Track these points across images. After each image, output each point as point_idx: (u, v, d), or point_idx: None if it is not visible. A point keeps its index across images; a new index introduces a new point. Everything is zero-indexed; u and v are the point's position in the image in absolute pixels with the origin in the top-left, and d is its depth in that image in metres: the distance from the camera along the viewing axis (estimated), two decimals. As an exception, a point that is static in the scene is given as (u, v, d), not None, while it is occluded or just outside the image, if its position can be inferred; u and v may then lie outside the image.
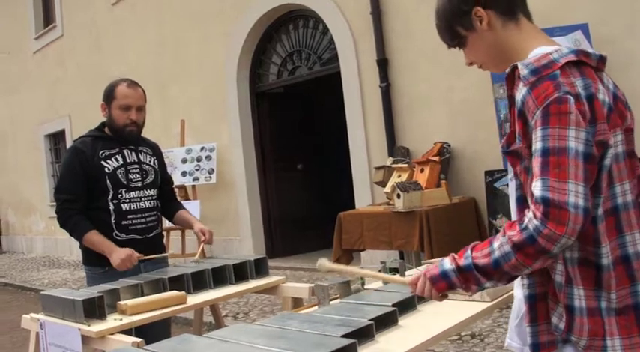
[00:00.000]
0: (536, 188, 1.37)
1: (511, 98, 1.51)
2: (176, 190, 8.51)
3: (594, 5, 5.30)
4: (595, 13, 5.23)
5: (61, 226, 3.13)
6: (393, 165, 6.26)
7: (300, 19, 8.23)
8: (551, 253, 1.36)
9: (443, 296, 1.57)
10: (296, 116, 9.09)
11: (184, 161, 8.82)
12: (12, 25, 14.74)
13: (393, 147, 6.74)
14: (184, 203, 8.19)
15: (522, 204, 1.49)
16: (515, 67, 1.48)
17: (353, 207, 6.96)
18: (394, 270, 2.47)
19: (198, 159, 8.77)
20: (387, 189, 5.91)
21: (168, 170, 8.67)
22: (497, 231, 5.26)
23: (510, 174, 1.58)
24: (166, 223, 6.21)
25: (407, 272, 2.54)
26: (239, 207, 8.80)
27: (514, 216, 1.55)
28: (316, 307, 2.15)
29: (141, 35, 10.37)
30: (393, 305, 1.90)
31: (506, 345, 1.64)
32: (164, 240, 3.52)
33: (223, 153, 8.81)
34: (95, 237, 3.05)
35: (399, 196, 5.44)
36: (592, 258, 1.43)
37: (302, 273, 7.50)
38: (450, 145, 6.22)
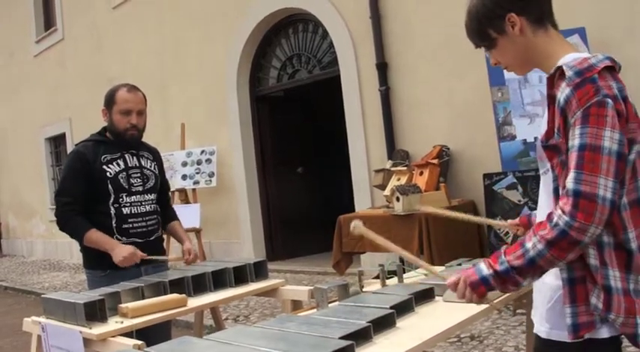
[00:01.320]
0: (570, 180, 1.50)
1: (550, 97, 1.62)
2: (177, 193, 8.61)
3: (592, 9, 5.33)
4: (593, 17, 5.26)
5: (61, 229, 3.16)
6: (393, 169, 6.28)
7: (300, 23, 8.26)
8: (583, 243, 1.49)
9: (483, 300, 1.66)
10: (296, 119, 9.13)
11: (185, 164, 8.85)
12: (13, 29, 14.78)
13: (393, 150, 6.76)
14: (185, 206, 8.32)
15: (557, 195, 1.60)
16: (559, 68, 1.59)
17: (353, 210, 6.99)
18: (392, 273, 2.49)
19: (199, 163, 8.80)
20: (387, 192, 5.94)
21: (169, 173, 8.73)
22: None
23: (543, 169, 1.69)
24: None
25: (405, 275, 2.57)
26: (239, 210, 8.83)
27: (545, 208, 1.66)
28: (315, 310, 2.17)
29: (141, 39, 10.41)
30: (391, 308, 1.92)
31: (535, 331, 1.71)
32: (164, 244, 3.55)
33: (223, 157, 8.84)
34: (96, 235, 3.07)
35: (398, 199, 5.46)
36: (622, 243, 1.56)
37: (302, 276, 7.52)
38: (449, 148, 6.25)
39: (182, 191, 8.79)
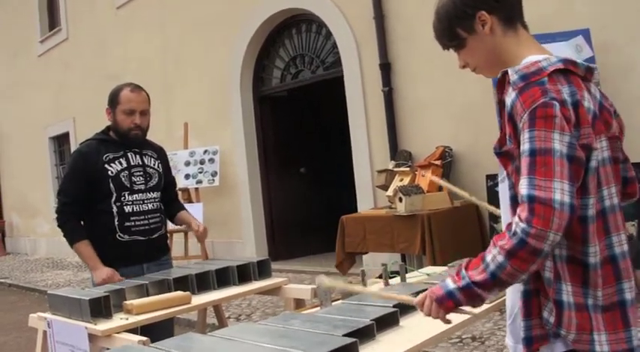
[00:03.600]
0: (523, 186, 1.43)
1: (501, 102, 1.59)
2: (180, 193, 8.62)
3: (596, 10, 5.34)
4: (596, 19, 5.27)
5: (58, 226, 3.22)
6: (395, 169, 6.29)
7: (304, 24, 8.28)
8: (543, 252, 1.41)
9: (452, 312, 1.59)
10: (299, 119, 9.13)
11: (187, 164, 8.87)
12: (17, 28, 14.82)
13: (396, 151, 6.78)
14: (187, 205, 8.29)
15: (515, 202, 1.54)
16: (505, 73, 1.56)
17: (355, 210, 7.00)
18: (395, 273, 2.51)
19: (202, 162, 8.81)
20: (389, 192, 5.95)
21: (173, 172, 8.74)
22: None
23: (501, 176, 1.64)
24: (170, 225, 6.28)
25: (407, 275, 2.59)
26: (242, 210, 8.84)
27: (504, 217, 1.60)
28: (318, 308, 2.19)
29: (145, 39, 10.43)
30: (394, 306, 1.94)
31: (506, 344, 1.69)
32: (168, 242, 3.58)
33: (226, 156, 8.86)
34: (84, 248, 3.14)
35: (400, 200, 5.48)
36: (580, 257, 1.50)
37: (304, 276, 7.54)
38: (451, 149, 6.26)
39: (185, 190, 8.80)
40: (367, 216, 5.98)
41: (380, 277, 2.57)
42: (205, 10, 9.19)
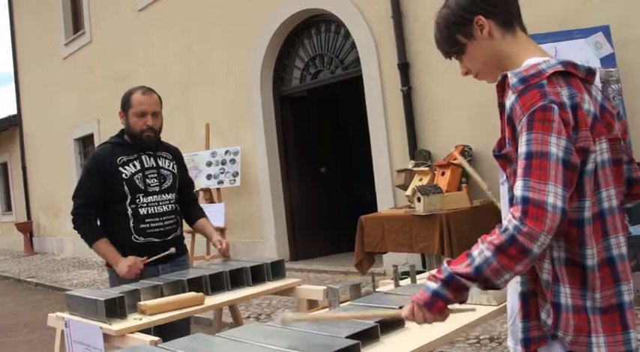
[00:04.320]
0: (518, 188, 1.44)
1: (501, 105, 1.59)
2: (201, 193, 8.71)
3: (616, 6, 5.28)
4: (616, 15, 5.22)
5: (74, 228, 3.28)
6: (415, 169, 6.29)
7: (323, 24, 8.31)
8: (532, 252, 1.40)
9: (445, 315, 1.56)
10: (319, 119, 9.17)
11: (209, 164, 8.94)
12: (43, 32, 15.07)
13: (415, 150, 6.77)
14: (209, 206, 8.40)
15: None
16: (505, 76, 1.56)
17: (376, 209, 7.01)
18: (405, 274, 2.53)
19: (223, 163, 8.88)
20: (408, 192, 5.95)
21: (194, 173, 8.82)
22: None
23: (502, 178, 1.64)
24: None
25: (418, 276, 2.60)
26: (263, 210, 8.90)
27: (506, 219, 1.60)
28: (327, 309, 2.21)
29: (166, 41, 10.54)
30: (400, 308, 1.95)
31: (508, 345, 1.70)
32: (189, 242, 3.62)
33: (247, 157, 8.92)
34: (103, 246, 3.20)
35: (419, 199, 5.48)
36: (578, 259, 1.50)
37: (325, 276, 7.56)
38: (471, 148, 6.24)
39: (207, 190, 8.88)
40: (386, 216, 5.98)
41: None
42: (226, 12, 9.26)
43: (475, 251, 1.48)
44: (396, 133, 7.07)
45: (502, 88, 1.59)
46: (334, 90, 8.62)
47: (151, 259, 3.16)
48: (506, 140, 1.55)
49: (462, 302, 1.55)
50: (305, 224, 8.93)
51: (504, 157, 1.57)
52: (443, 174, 5.99)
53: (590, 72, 1.60)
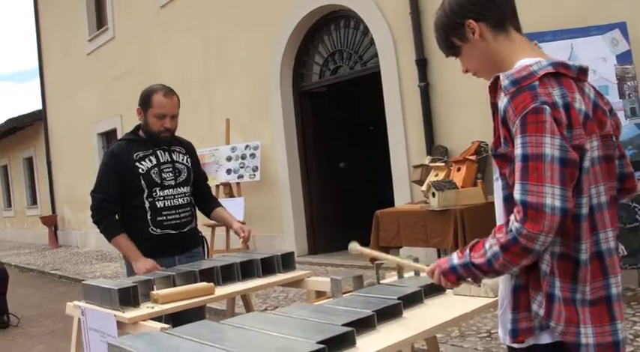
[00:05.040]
0: (517, 192, 1.51)
1: (494, 106, 1.64)
2: (221, 187, 8.83)
3: (633, 3, 5.27)
4: (633, 12, 5.20)
5: (94, 222, 3.38)
6: (431, 164, 6.33)
7: (342, 20, 8.36)
8: (534, 251, 1.50)
9: (457, 285, 1.75)
10: (338, 115, 9.23)
11: (229, 159, 9.04)
12: (67, 28, 15.30)
13: (432, 146, 6.81)
14: (229, 200, 8.51)
15: (509, 202, 1.60)
16: (497, 78, 1.61)
17: (392, 204, 7.06)
18: (409, 266, 2.59)
19: (243, 157, 8.97)
20: (424, 187, 5.99)
21: (214, 167, 8.92)
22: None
23: (495, 175, 1.69)
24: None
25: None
26: (282, 204, 8.99)
27: (499, 215, 1.67)
28: (330, 299, 2.29)
29: (188, 37, 10.66)
30: (400, 299, 2.02)
31: (499, 335, 1.76)
32: (209, 237, 3.70)
33: (267, 152, 9.01)
34: (123, 242, 3.30)
35: (434, 195, 5.52)
36: (572, 253, 1.56)
37: (342, 269, 7.63)
38: (487, 144, 6.25)
39: (227, 185, 8.99)
40: (402, 211, 6.03)
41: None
42: (246, 8, 9.35)
43: (487, 243, 1.58)
44: (413, 129, 7.11)
45: (494, 89, 1.64)
46: (353, 86, 8.67)
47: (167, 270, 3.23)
48: (502, 140, 1.60)
49: (475, 282, 1.71)
50: (323, 219, 9.00)
51: (502, 157, 1.61)
52: (459, 169, 6.02)
53: (582, 70, 1.65)
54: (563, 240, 1.56)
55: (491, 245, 1.56)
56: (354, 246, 2.19)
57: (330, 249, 8.85)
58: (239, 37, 9.55)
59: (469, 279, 1.69)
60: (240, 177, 8.94)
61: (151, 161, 3.33)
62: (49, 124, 16.91)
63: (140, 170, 3.29)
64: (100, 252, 13.41)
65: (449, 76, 6.65)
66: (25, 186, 19.80)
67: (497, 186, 1.68)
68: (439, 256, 5.99)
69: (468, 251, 1.65)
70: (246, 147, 9.00)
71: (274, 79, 8.95)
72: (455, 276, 1.69)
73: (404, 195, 7.19)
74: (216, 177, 8.81)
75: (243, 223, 7.94)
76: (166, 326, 2.28)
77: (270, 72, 9.02)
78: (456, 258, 1.69)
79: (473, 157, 6.05)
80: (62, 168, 16.24)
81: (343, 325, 1.72)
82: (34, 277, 11.58)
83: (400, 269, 2.54)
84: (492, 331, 4.51)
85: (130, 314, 2.45)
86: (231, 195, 8.92)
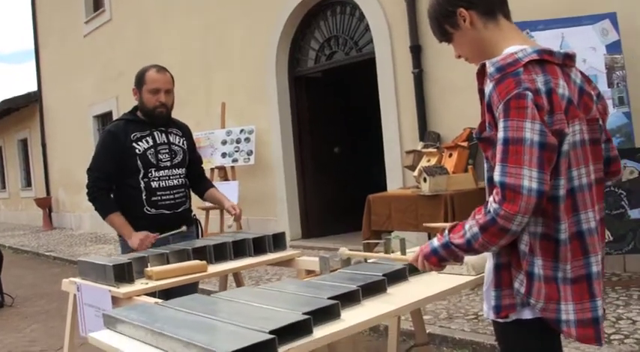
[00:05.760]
0: (497, 173, 1.59)
1: (481, 92, 1.72)
2: (216, 171, 8.89)
3: (625, -6, 5.33)
4: (624, 2, 5.26)
5: (89, 200, 3.44)
6: (423, 150, 6.41)
7: (338, 5, 8.39)
8: (511, 230, 1.58)
9: (440, 267, 1.83)
10: (333, 100, 9.29)
11: (224, 143, 9.09)
12: (65, 9, 15.26)
13: (425, 132, 6.88)
14: (224, 183, 8.58)
15: (491, 184, 1.68)
16: (484, 65, 1.69)
17: (385, 189, 7.14)
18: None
19: (238, 141, 9.02)
20: (415, 173, 6.07)
21: (209, 151, 8.95)
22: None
23: (485, 159, 1.77)
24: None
25: (408, 250, 2.74)
26: (276, 188, 9.06)
27: (488, 195, 1.75)
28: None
29: (185, 20, 10.67)
30: (384, 275, 2.10)
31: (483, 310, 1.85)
32: (203, 220, 3.78)
33: (262, 136, 9.07)
34: (117, 219, 3.37)
35: (425, 180, 5.60)
36: (552, 233, 1.64)
37: (334, 253, 7.70)
38: (479, 132, 6.32)
39: (221, 168, 9.05)
40: (393, 196, 6.11)
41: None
42: (242, -8, 9.36)
43: (467, 224, 1.66)
44: (406, 115, 7.18)
45: (482, 75, 1.72)
46: (348, 72, 8.71)
47: (162, 236, 3.33)
48: (487, 124, 1.67)
49: (457, 261, 1.79)
50: (317, 203, 9.08)
51: (486, 140, 1.69)
52: (450, 155, 6.10)
53: (568, 57, 1.73)
54: (544, 220, 1.64)
55: (470, 226, 1.64)
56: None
57: (324, 233, 8.94)
58: (236, 21, 9.57)
59: (451, 260, 1.78)
60: (235, 161, 8.99)
61: (147, 142, 3.40)
62: (45, 106, 16.90)
63: (137, 150, 3.36)
64: (95, 234, 13.48)
65: (443, 62, 6.71)
66: (20, 168, 19.81)
67: (485, 168, 1.77)
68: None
69: (447, 232, 1.74)
70: (242, 131, 9.05)
71: (270, 63, 8.99)
72: (436, 258, 1.77)
73: (396, 180, 7.26)
74: (211, 161, 8.87)
75: (237, 206, 8.02)
76: (160, 300, 2.35)
77: (266, 56, 9.06)
78: (436, 241, 1.77)
79: (464, 143, 6.12)
80: (57, 151, 16.26)
81: (329, 298, 1.80)
82: (29, 258, 11.65)
83: (387, 249, 2.63)
84: (479, 313, 4.61)
85: (124, 289, 2.53)
86: (226, 179, 8.98)
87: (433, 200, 5.55)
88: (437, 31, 1.90)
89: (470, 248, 1.66)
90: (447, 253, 1.73)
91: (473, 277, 2.19)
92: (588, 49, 4.93)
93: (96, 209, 3.44)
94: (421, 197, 5.66)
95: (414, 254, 1.87)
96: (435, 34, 1.92)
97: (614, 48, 5.01)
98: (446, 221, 5.48)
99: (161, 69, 3.46)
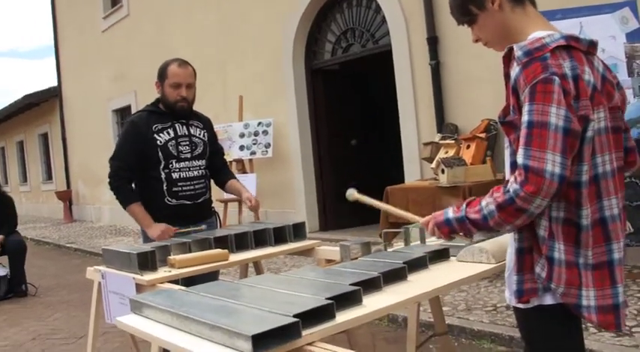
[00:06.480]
0: (520, 155, 1.60)
1: (507, 76, 1.73)
2: (234, 163, 8.94)
3: (645, -18, 5.28)
4: (645, -10, 5.22)
5: (111, 189, 3.49)
6: (441, 142, 6.41)
7: (355, -2, 8.40)
8: (528, 212, 1.59)
9: (449, 238, 1.87)
10: (350, 93, 9.30)
11: (242, 135, 9.14)
12: (83, 5, 15.37)
13: (442, 123, 6.88)
14: (242, 176, 8.62)
15: (514, 168, 1.69)
16: (511, 49, 1.70)
17: (403, 181, 7.15)
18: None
19: (256, 134, 9.07)
20: (433, 164, 6.08)
21: (227, 144, 8.99)
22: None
23: (506, 143, 1.78)
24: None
25: (428, 240, 2.76)
26: (294, 181, 9.10)
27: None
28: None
29: (202, 14, 10.72)
30: (405, 263, 2.12)
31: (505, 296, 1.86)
32: (221, 212, 3.81)
33: (279, 129, 9.11)
34: (137, 210, 3.41)
35: (443, 171, 5.61)
36: (574, 219, 1.65)
37: (353, 246, 7.72)
38: (497, 122, 6.31)
39: (239, 161, 9.10)
40: (411, 187, 6.12)
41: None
42: (260, -15, 9.39)
43: (484, 201, 1.68)
44: (424, 107, 7.18)
45: (508, 59, 1.72)
46: (365, 64, 8.72)
47: (180, 230, 3.37)
48: (511, 108, 1.69)
49: (467, 237, 1.84)
50: (335, 195, 9.09)
51: (509, 124, 1.70)
52: (468, 147, 6.10)
53: (592, 44, 1.74)
54: (567, 205, 1.65)
55: (487, 203, 1.66)
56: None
57: (341, 225, 8.97)
58: (253, 14, 9.60)
59: (461, 234, 1.81)
60: (253, 153, 9.04)
61: (169, 133, 3.44)
62: (64, 101, 17.06)
63: (158, 142, 3.40)
64: (114, 227, 13.61)
65: (460, 54, 6.70)
66: (41, 162, 20.03)
67: (507, 153, 1.78)
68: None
69: (464, 206, 1.76)
70: (259, 124, 9.10)
71: (287, 56, 9.02)
72: (448, 229, 1.80)
73: (414, 172, 7.27)
74: (229, 154, 8.90)
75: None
76: (182, 288, 2.39)
77: (283, 49, 9.09)
78: (451, 212, 1.80)
79: (482, 135, 6.12)
80: (77, 144, 16.42)
81: (350, 285, 1.83)
82: (50, 250, 11.80)
83: (407, 238, 2.65)
84: (498, 305, 4.62)
85: (148, 276, 2.58)
86: (244, 172, 9.03)
87: (451, 191, 5.55)
88: (459, 11, 1.88)
89: (485, 224, 1.68)
90: (461, 226, 1.76)
91: (493, 265, 2.21)
92: (608, 38, 4.90)
93: (117, 198, 3.48)
94: (439, 188, 5.67)
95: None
96: (456, 13, 1.90)
97: (634, 36, 4.97)
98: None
99: (183, 63, 3.49)
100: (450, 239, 1.88)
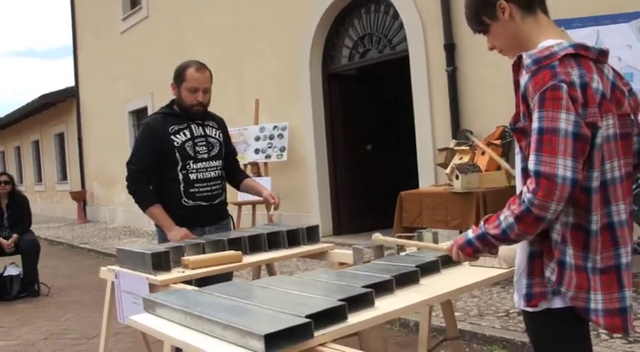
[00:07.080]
0: (531, 162, 1.62)
1: (516, 83, 1.74)
2: (249, 166, 8.97)
3: (662, -9, 5.26)
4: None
5: (130, 193, 3.50)
6: (456, 148, 6.40)
7: (372, 3, 8.41)
8: (546, 219, 1.61)
9: (474, 258, 1.88)
10: (366, 98, 9.31)
11: (257, 139, 9.17)
12: (102, 6, 15.51)
13: (457, 130, 6.87)
14: (256, 179, 8.62)
15: (525, 174, 1.71)
16: (520, 57, 1.72)
17: (417, 187, 7.14)
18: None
19: (271, 138, 9.10)
20: (448, 170, 6.07)
21: (242, 147, 9.01)
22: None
23: (517, 149, 1.80)
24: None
25: (441, 243, 2.76)
26: (309, 185, 9.11)
27: (519, 186, 1.79)
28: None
29: (219, 18, 10.78)
30: (417, 267, 2.13)
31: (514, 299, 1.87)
32: (235, 215, 3.82)
33: (295, 132, 9.13)
34: (158, 212, 3.41)
35: (457, 177, 5.60)
36: (584, 224, 1.67)
37: (366, 250, 7.72)
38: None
39: (254, 164, 9.13)
40: (425, 193, 6.12)
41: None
42: (277, -10, 9.42)
43: (502, 215, 1.69)
44: (439, 113, 7.17)
45: (518, 67, 1.75)
46: (382, 70, 8.73)
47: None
48: (521, 115, 1.71)
49: (491, 252, 1.84)
50: (349, 200, 9.11)
51: (520, 131, 1.72)
52: (483, 153, 6.08)
53: (602, 53, 1.76)
54: (576, 210, 1.67)
55: (506, 216, 1.67)
56: (377, 236, 2.33)
57: (355, 229, 8.95)
58: (270, 17, 9.64)
59: (485, 251, 1.82)
60: (268, 157, 9.07)
61: (185, 134, 3.46)
62: (81, 101, 17.20)
63: (175, 143, 3.42)
64: (128, 228, 13.68)
65: (477, 61, 6.70)
66: (56, 162, 20.19)
67: (518, 159, 1.80)
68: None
69: (482, 223, 1.78)
70: (275, 127, 9.13)
71: (304, 60, 9.04)
72: (471, 249, 1.81)
73: (428, 177, 7.26)
74: (244, 157, 8.95)
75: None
76: (196, 288, 2.41)
77: (299, 53, 9.11)
78: (471, 233, 1.82)
79: (497, 141, 6.11)
80: (93, 145, 16.53)
81: (363, 287, 1.83)
82: (63, 250, 11.88)
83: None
84: (510, 310, 4.61)
85: (161, 277, 2.59)
86: (259, 175, 9.05)
87: (465, 197, 5.55)
88: (473, 21, 1.93)
89: (506, 238, 1.70)
90: (483, 244, 1.77)
91: (505, 270, 2.21)
92: (624, 47, 4.88)
93: (136, 201, 3.50)
94: (452, 194, 5.67)
95: (449, 244, 1.92)
96: (471, 23, 1.95)
97: (651, 46, 4.94)
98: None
99: (201, 67, 3.48)
100: (476, 258, 1.89)
